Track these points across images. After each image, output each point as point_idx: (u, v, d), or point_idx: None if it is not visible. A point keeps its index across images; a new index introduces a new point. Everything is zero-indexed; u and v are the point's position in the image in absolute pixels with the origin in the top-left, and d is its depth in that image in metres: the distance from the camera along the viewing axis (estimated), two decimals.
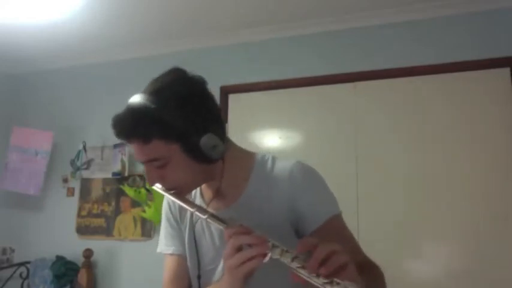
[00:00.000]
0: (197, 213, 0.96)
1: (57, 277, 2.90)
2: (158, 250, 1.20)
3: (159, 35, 3.01)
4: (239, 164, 1.07)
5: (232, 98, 2.93)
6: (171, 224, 1.17)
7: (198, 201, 1.12)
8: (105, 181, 3.11)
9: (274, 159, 1.09)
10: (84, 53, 3.29)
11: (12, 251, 3.27)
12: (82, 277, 2.89)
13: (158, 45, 3.11)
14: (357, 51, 2.70)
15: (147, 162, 0.98)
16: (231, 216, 0.93)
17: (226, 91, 2.93)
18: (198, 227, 1.11)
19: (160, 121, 0.92)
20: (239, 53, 2.97)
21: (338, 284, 0.72)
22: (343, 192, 2.70)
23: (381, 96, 2.61)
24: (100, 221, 3.08)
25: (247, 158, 1.10)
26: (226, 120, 2.89)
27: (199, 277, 1.11)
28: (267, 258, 0.80)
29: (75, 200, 3.18)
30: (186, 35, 2.99)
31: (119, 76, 3.22)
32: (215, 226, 1.01)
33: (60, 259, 2.97)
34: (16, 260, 3.20)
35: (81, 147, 3.17)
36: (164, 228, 1.19)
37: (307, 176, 1.05)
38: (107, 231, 3.05)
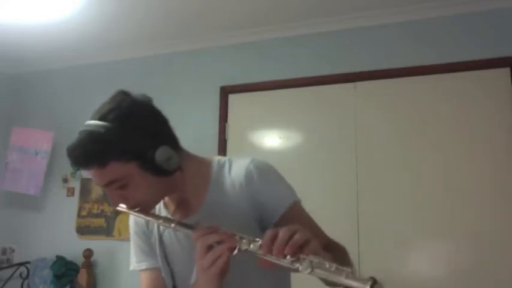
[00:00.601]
0: (164, 224, 1.00)
1: (57, 277, 2.90)
2: (131, 268, 1.22)
3: (159, 35, 3.01)
4: (197, 171, 1.09)
5: (232, 98, 2.93)
6: (140, 238, 1.19)
7: (163, 213, 1.14)
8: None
9: (230, 161, 1.12)
10: (84, 53, 3.29)
11: (12, 251, 3.27)
12: (82, 277, 2.89)
13: (158, 45, 3.11)
14: (357, 51, 2.70)
15: (107, 185, 0.99)
16: (197, 222, 0.96)
17: (226, 91, 2.93)
18: (166, 237, 1.13)
19: (112, 143, 0.94)
20: (239, 53, 2.97)
21: (304, 259, 0.76)
22: (343, 192, 2.72)
23: (381, 96, 2.61)
24: (100, 221, 3.08)
25: (204, 165, 1.12)
26: (226, 120, 2.89)
27: (174, 287, 1.14)
28: (235, 251, 0.84)
29: (75, 200, 3.18)
30: (186, 35, 2.99)
31: (119, 76, 3.22)
32: (183, 233, 1.04)
33: (60, 259, 2.97)
34: (16, 260, 3.20)
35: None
36: (134, 244, 1.20)
37: (261, 172, 1.07)
38: (107, 231, 3.05)
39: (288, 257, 0.77)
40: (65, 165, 3.21)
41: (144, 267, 1.18)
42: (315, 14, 2.69)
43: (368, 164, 2.54)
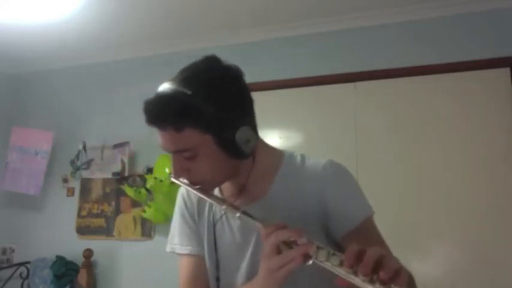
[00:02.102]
0: (228, 210, 0.91)
1: (57, 277, 2.90)
2: (169, 250, 1.11)
3: (159, 35, 3.01)
4: (267, 160, 1.02)
5: None
6: (187, 222, 1.09)
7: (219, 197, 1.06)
8: (105, 181, 3.11)
9: (303, 156, 1.04)
10: (84, 53, 3.29)
11: (12, 251, 3.27)
12: (82, 277, 2.89)
13: (158, 45, 3.11)
14: (357, 51, 2.70)
15: (176, 152, 0.91)
16: (261, 215, 0.87)
17: None
18: (219, 225, 1.04)
19: (195, 110, 0.87)
20: (239, 53, 2.96)
21: None
22: None
23: (381, 96, 2.61)
24: (100, 221, 3.08)
25: (276, 155, 1.05)
26: None
27: (217, 279, 1.05)
28: (310, 261, 0.75)
29: (75, 200, 3.18)
30: (186, 35, 2.99)
31: (119, 76, 3.22)
32: (237, 224, 0.96)
33: (60, 259, 2.97)
34: (16, 260, 3.20)
35: (81, 147, 3.17)
36: (178, 226, 1.10)
37: (340, 176, 1.00)
38: (107, 231, 3.05)
39: (378, 284, 0.68)
40: (65, 165, 3.22)
41: (187, 251, 1.07)
42: (315, 14, 2.69)
43: (368, 164, 2.54)
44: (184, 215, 1.10)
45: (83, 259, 2.93)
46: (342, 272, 0.71)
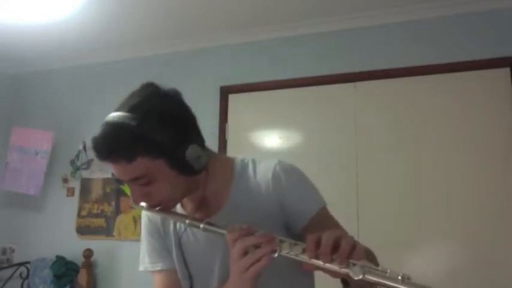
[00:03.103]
0: (191, 224, 0.96)
1: (57, 277, 2.90)
2: (141, 269, 1.16)
3: (159, 34, 3.01)
4: (220, 170, 1.06)
5: (232, 98, 2.93)
6: (155, 238, 1.14)
7: (180, 212, 1.10)
8: (105, 181, 3.11)
9: (254, 161, 1.09)
10: (84, 53, 3.29)
11: (12, 251, 3.27)
12: (82, 277, 2.89)
13: (158, 45, 3.11)
14: (357, 51, 2.70)
15: (132, 180, 0.95)
16: (227, 223, 0.92)
17: (226, 91, 2.93)
18: (184, 238, 1.09)
19: (143, 138, 0.90)
20: (239, 53, 2.97)
21: (354, 264, 0.75)
22: (343, 192, 2.72)
23: (381, 96, 2.61)
24: (100, 221, 3.08)
25: (227, 164, 1.09)
26: (226, 120, 2.89)
27: None
28: (275, 254, 0.81)
29: (75, 200, 3.18)
30: (186, 35, 2.99)
31: (119, 76, 3.22)
32: (204, 234, 1.00)
33: (60, 259, 2.97)
34: (16, 260, 3.20)
35: (81, 147, 3.17)
36: (147, 243, 1.15)
37: (289, 174, 1.05)
38: (107, 231, 3.05)
39: (337, 262, 0.76)
40: (65, 165, 3.22)
41: (159, 268, 1.12)
42: (315, 14, 2.69)
43: (368, 164, 2.54)
44: (151, 232, 1.15)
45: (83, 259, 2.93)
46: (306, 258, 0.79)
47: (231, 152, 2.79)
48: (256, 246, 0.83)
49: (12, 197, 3.29)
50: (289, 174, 1.05)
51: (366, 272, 0.74)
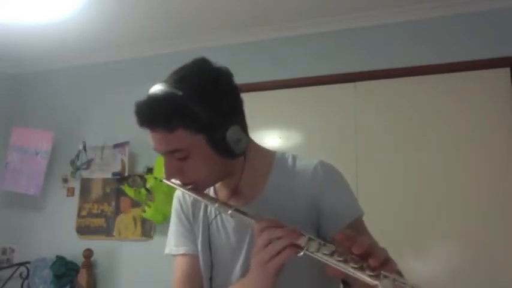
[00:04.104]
0: (220, 208, 0.92)
1: (57, 277, 2.90)
2: (166, 251, 1.12)
3: (159, 34, 3.01)
4: (259, 161, 1.03)
5: None
6: (183, 223, 1.11)
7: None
8: (105, 181, 3.11)
9: (294, 157, 1.06)
10: (84, 53, 3.29)
11: (12, 251, 3.27)
12: (82, 277, 2.89)
13: (158, 45, 3.11)
14: (357, 51, 2.70)
15: (168, 153, 0.93)
16: (258, 213, 0.87)
17: None
18: (213, 226, 1.06)
19: (186, 110, 0.88)
20: (239, 53, 2.97)
21: (385, 277, 0.68)
22: None
23: (381, 96, 2.61)
24: (100, 221, 3.08)
25: (267, 155, 1.06)
26: None
27: (211, 279, 1.06)
28: (301, 252, 0.75)
29: (75, 200, 3.18)
30: (186, 35, 2.99)
31: (119, 76, 3.22)
32: (235, 225, 0.97)
33: (60, 259, 2.97)
34: (16, 260, 3.20)
35: (81, 147, 3.17)
36: (175, 227, 1.12)
37: (331, 176, 1.02)
38: (107, 231, 3.05)
39: (368, 271, 0.69)
40: (65, 165, 3.22)
41: (182, 251, 1.09)
42: (315, 14, 2.69)
43: (368, 164, 2.54)
44: (180, 216, 1.12)
45: (83, 259, 2.93)
46: (333, 262, 0.72)
47: None
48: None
49: (12, 197, 3.29)
50: (330, 175, 1.02)
51: (397, 287, 0.67)
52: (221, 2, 2.57)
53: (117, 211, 3.05)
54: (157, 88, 0.91)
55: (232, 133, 0.91)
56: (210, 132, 0.90)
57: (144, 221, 2.93)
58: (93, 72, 3.34)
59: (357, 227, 0.98)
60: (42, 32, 2.95)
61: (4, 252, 3.28)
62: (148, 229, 2.93)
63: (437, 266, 2.33)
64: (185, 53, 3.07)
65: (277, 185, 1.01)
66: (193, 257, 1.09)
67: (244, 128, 0.96)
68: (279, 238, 0.77)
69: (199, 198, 0.98)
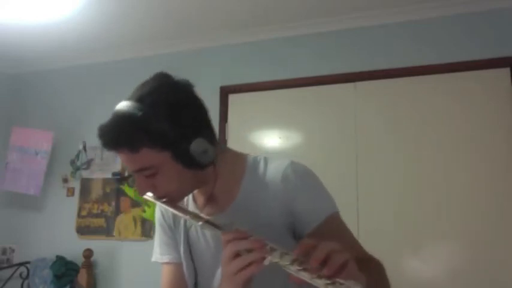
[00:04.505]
0: (191, 220, 0.94)
1: (57, 277, 2.90)
2: (153, 259, 1.18)
3: (159, 34, 3.01)
4: (231, 167, 1.05)
5: (232, 98, 2.93)
6: (165, 231, 1.15)
7: (191, 207, 1.10)
8: (105, 181, 3.11)
9: (266, 160, 1.06)
10: (84, 53, 3.29)
11: (12, 251, 3.27)
12: (82, 277, 2.89)
13: (158, 45, 3.11)
14: (357, 51, 2.70)
15: (137, 171, 0.95)
16: (226, 222, 0.89)
17: (226, 91, 2.93)
18: (193, 233, 1.09)
19: (148, 129, 0.89)
20: (239, 53, 2.97)
21: (341, 284, 0.70)
22: (343, 192, 2.70)
23: (381, 96, 2.61)
24: (100, 221, 3.08)
25: (239, 161, 1.07)
26: (226, 120, 2.89)
27: (195, 285, 1.10)
28: (266, 262, 0.78)
29: (75, 200, 3.18)
30: (186, 35, 2.99)
31: (119, 76, 3.22)
32: (210, 232, 1.00)
33: (60, 259, 2.97)
34: (16, 260, 3.20)
35: (81, 147, 3.17)
36: (158, 236, 1.17)
37: (301, 177, 1.02)
38: (107, 231, 3.05)
39: (323, 278, 0.71)
40: (65, 165, 3.22)
41: (166, 260, 1.14)
42: (315, 14, 2.69)
43: (368, 164, 2.54)
44: (162, 225, 1.16)
45: (83, 259, 2.93)
46: (294, 270, 0.74)
47: None
48: (249, 251, 0.79)
49: (12, 197, 3.29)
50: (299, 176, 1.01)
51: None
52: (221, 2, 2.57)
53: (117, 211, 3.05)
54: (118, 109, 0.93)
55: (196, 146, 0.91)
56: (175, 147, 0.91)
57: (144, 221, 2.93)
58: (93, 72, 3.34)
59: (329, 225, 0.99)
60: (42, 32, 2.95)
61: (4, 252, 3.28)
62: (148, 229, 2.93)
63: (437, 266, 2.33)
64: (185, 53, 3.08)
65: (250, 190, 1.02)
66: (176, 265, 1.13)
67: (210, 138, 0.96)
68: (248, 250, 0.79)
69: (172, 210, 0.99)
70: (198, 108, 0.98)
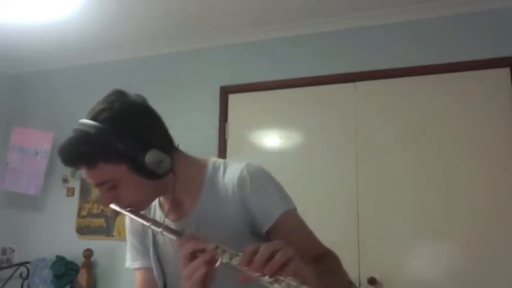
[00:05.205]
0: (152, 226, 0.99)
1: (57, 277, 2.90)
2: (126, 265, 1.23)
3: (159, 34, 3.01)
4: (191, 173, 1.08)
5: (232, 98, 2.93)
6: (135, 237, 1.19)
7: (158, 212, 1.14)
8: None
9: (225, 164, 1.10)
10: (84, 53, 3.29)
11: (12, 251, 3.27)
12: (82, 277, 2.89)
13: (158, 45, 3.11)
14: (357, 51, 2.70)
15: (98, 185, 0.99)
16: (186, 227, 0.95)
17: (226, 91, 2.93)
18: (159, 237, 1.13)
19: (103, 145, 0.94)
20: (239, 53, 2.97)
21: (282, 281, 0.75)
22: (343, 192, 2.71)
23: (381, 96, 2.61)
24: (100, 221, 3.08)
25: (199, 167, 1.10)
26: (226, 120, 2.89)
27: (165, 287, 1.15)
28: (217, 263, 0.84)
29: (75, 200, 3.18)
30: (186, 35, 2.99)
31: (119, 76, 3.22)
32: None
33: (60, 259, 2.97)
34: (16, 260, 3.20)
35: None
36: (129, 242, 1.21)
37: (254, 178, 1.05)
38: (107, 231, 3.05)
39: (267, 276, 0.77)
40: None
41: (137, 266, 1.19)
42: (315, 14, 2.69)
43: (368, 164, 2.54)
44: (132, 231, 1.20)
45: (83, 259, 2.93)
46: (243, 269, 0.80)
47: (231, 152, 2.79)
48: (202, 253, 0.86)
49: (12, 197, 3.29)
50: (254, 177, 1.05)
51: None
52: (221, 2, 2.57)
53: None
54: (75, 128, 0.98)
55: (150, 157, 0.95)
56: (130, 160, 0.95)
57: None
58: (93, 72, 3.34)
59: (284, 223, 1.03)
60: (42, 32, 2.95)
61: (4, 252, 3.28)
62: None
63: (437, 266, 2.33)
64: (185, 53, 3.08)
65: (211, 194, 1.06)
66: (146, 270, 1.18)
67: (164, 147, 1.00)
68: (199, 250, 0.85)
69: (135, 218, 1.03)
70: (151, 120, 1.02)
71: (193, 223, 1.04)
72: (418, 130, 2.50)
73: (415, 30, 2.60)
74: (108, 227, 3.05)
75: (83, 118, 1.00)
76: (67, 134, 0.99)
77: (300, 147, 2.74)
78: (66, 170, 3.21)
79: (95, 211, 3.11)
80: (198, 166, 1.11)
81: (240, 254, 0.82)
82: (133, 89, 1.05)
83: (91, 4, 2.59)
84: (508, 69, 2.39)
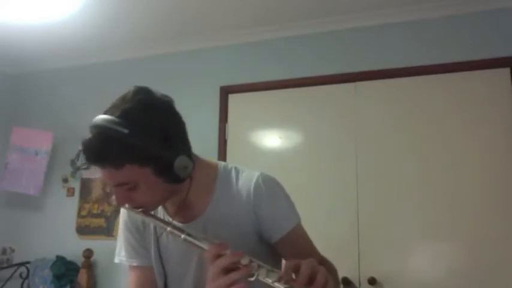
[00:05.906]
0: (173, 231, 0.96)
1: (57, 277, 2.90)
2: (117, 261, 1.19)
3: (159, 35, 3.01)
4: (204, 176, 1.08)
5: (232, 98, 2.93)
6: (133, 234, 1.16)
7: (161, 213, 1.12)
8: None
9: (237, 169, 1.11)
10: (84, 53, 3.29)
11: (12, 251, 3.27)
12: (82, 277, 2.89)
13: (158, 45, 3.11)
14: (357, 51, 2.70)
15: (117, 186, 0.97)
16: (199, 230, 0.95)
17: (226, 91, 2.93)
18: (163, 238, 1.11)
19: (133, 147, 0.90)
20: (239, 53, 2.97)
21: None
22: (343, 192, 2.71)
23: (381, 96, 2.61)
24: (100, 221, 3.08)
25: (211, 170, 1.11)
26: (226, 120, 2.89)
27: (165, 287, 1.14)
28: (253, 279, 0.83)
29: (75, 200, 3.18)
30: (186, 35, 2.99)
31: (119, 76, 3.21)
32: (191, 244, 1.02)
33: (60, 259, 2.97)
34: (16, 260, 3.20)
35: (81, 147, 3.16)
36: (125, 238, 1.18)
37: (270, 189, 1.08)
38: (107, 231, 3.05)
39: None
40: (65, 165, 3.22)
41: (135, 264, 1.16)
42: (315, 14, 2.69)
43: (368, 164, 2.54)
44: (130, 229, 1.17)
45: (83, 259, 2.93)
46: (281, 287, 0.81)
47: (231, 152, 2.79)
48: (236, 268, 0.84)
49: (12, 197, 3.29)
50: (269, 187, 1.07)
51: None
52: (222, 2, 2.57)
53: (117, 211, 3.04)
54: (101, 124, 0.93)
55: (179, 162, 0.94)
56: (158, 164, 0.93)
57: None
58: (93, 72, 3.34)
59: (293, 236, 1.07)
60: (42, 32, 2.95)
61: (4, 252, 3.28)
62: None
63: (437, 266, 2.33)
64: (185, 53, 3.08)
65: (221, 198, 1.07)
66: (145, 268, 1.15)
67: (189, 152, 1.00)
68: (234, 265, 0.84)
69: (150, 220, 1.02)
70: (179, 125, 1.02)
71: (201, 225, 1.05)
72: (418, 130, 2.50)
73: (415, 30, 2.60)
74: (108, 227, 3.05)
75: (102, 114, 0.96)
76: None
77: (300, 147, 2.74)
78: (66, 170, 3.22)
79: (94, 211, 3.11)
80: (209, 169, 1.11)
81: (276, 270, 0.84)
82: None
83: (91, 4, 2.59)
84: (508, 69, 2.39)
